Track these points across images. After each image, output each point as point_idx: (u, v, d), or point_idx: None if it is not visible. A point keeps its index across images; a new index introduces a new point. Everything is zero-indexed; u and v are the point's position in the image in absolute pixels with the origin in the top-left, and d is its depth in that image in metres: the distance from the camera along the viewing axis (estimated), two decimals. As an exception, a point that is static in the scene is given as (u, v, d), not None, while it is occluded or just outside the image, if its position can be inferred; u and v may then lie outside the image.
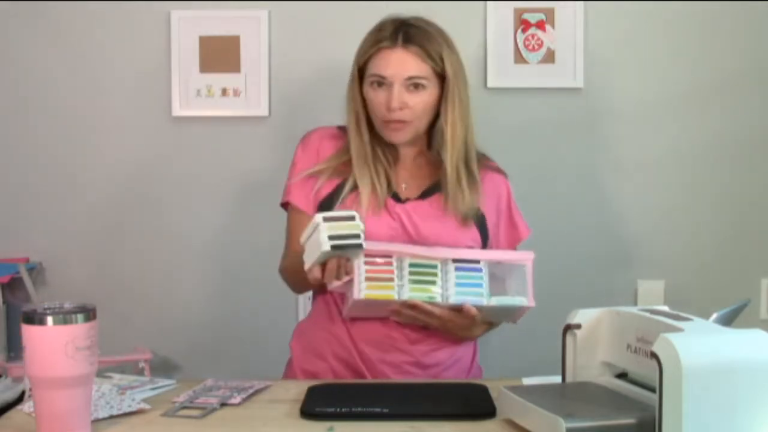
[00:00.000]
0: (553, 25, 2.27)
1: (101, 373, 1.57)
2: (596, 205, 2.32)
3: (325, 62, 2.29)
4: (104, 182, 2.32)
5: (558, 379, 1.39)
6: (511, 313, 1.67)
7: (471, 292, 1.59)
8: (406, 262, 1.59)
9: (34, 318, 1.21)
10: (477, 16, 2.28)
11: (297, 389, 1.51)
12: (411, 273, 1.59)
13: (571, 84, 2.28)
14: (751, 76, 2.30)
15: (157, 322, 2.33)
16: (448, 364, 1.71)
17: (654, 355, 1.12)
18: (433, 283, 1.59)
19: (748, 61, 2.29)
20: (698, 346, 1.13)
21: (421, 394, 1.46)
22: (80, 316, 1.22)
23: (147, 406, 1.41)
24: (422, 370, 1.69)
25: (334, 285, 1.57)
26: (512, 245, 1.77)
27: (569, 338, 1.37)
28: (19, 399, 1.50)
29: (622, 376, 1.34)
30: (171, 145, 2.31)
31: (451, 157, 1.67)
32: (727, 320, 1.44)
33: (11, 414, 1.41)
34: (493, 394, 1.41)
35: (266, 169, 2.30)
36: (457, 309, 1.59)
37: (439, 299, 1.58)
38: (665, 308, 1.32)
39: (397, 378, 1.67)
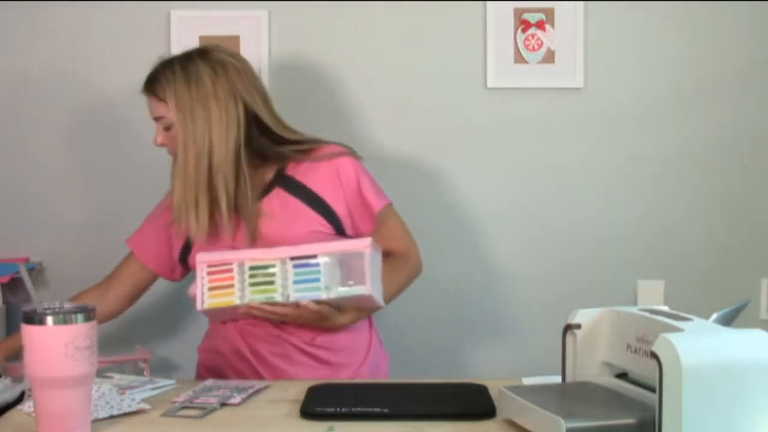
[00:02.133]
0: (553, 25, 2.27)
1: (101, 373, 1.57)
2: (596, 205, 2.32)
3: (325, 62, 2.29)
4: (104, 182, 2.32)
5: (558, 379, 1.39)
6: (362, 302, 1.69)
7: (309, 288, 1.63)
8: (246, 266, 1.65)
9: (34, 318, 1.21)
10: (477, 16, 2.28)
11: (297, 389, 1.51)
12: (251, 276, 1.66)
13: (571, 84, 2.28)
14: (751, 76, 2.29)
15: (157, 322, 2.33)
16: (334, 348, 1.78)
17: (654, 355, 1.12)
18: (272, 283, 1.65)
19: (749, 61, 2.29)
20: (698, 346, 1.13)
21: (421, 394, 1.46)
22: (80, 316, 1.22)
23: (147, 406, 1.41)
24: (315, 360, 1.76)
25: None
26: (371, 221, 1.81)
27: (569, 338, 1.37)
28: (19, 399, 1.50)
29: (622, 376, 1.34)
30: (171, 145, 2.31)
31: (176, 184, 1.75)
32: (727, 320, 1.44)
33: (11, 414, 1.41)
34: (493, 394, 1.41)
35: (266, 169, 2.30)
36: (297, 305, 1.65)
37: (279, 298, 1.64)
38: (665, 308, 1.32)
39: (289, 368, 1.75)
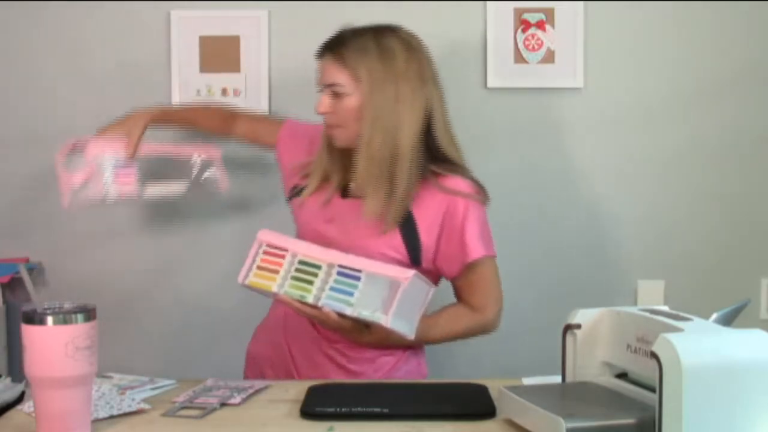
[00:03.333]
0: (553, 25, 2.27)
1: (101, 374, 1.57)
2: (596, 205, 2.32)
3: (325, 62, 2.29)
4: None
5: (558, 379, 1.39)
6: (386, 329, 1.62)
7: (339, 298, 1.60)
8: (297, 258, 1.64)
9: (34, 318, 1.21)
10: (477, 16, 2.28)
11: (297, 389, 1.51)
12: (296, 270, 1.64)
13: (571, 84, 2.28)
14: (751, 77, 2.29)
15: (157, 322, 2.33)
16: (354, 357, 1.75)
17: (654, 355, 1.12)
18: (311, 283, 1.62)
19: (749, 61, 2.29)
20: (698, 346, 1.13)
21: (421, 394, 1.46)
22: (80, 316, 1.22)
23: (147, 406, 1.41)
24: (332, 363, 1.75)
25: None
26: (460, 266, 1.73)
27: (569, 338, 1.37)
28: (19, 399, 1.50)
29: (622, 376, 1.34)
30: (171, 145, 2.31)
31: (360, 162, 1.70)
32: (727, 320, 1.44)
33: (11, 414, 1.41)
34: (493, 394, 1.41)
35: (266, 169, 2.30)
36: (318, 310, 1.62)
37: (310, 299, 1.61)
38: (665, 308, 1.32)
39: (309, 366, 1.76)
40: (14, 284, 2.21)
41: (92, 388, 1.28)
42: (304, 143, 1.88)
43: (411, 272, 1.59)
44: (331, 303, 1.60)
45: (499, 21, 2.26)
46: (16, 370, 2.11)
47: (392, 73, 1.68)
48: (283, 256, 1.66)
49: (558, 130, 2.30)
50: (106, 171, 1.85)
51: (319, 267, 1.63)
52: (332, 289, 1.61)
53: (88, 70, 2.30)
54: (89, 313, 1.23)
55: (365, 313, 1.59)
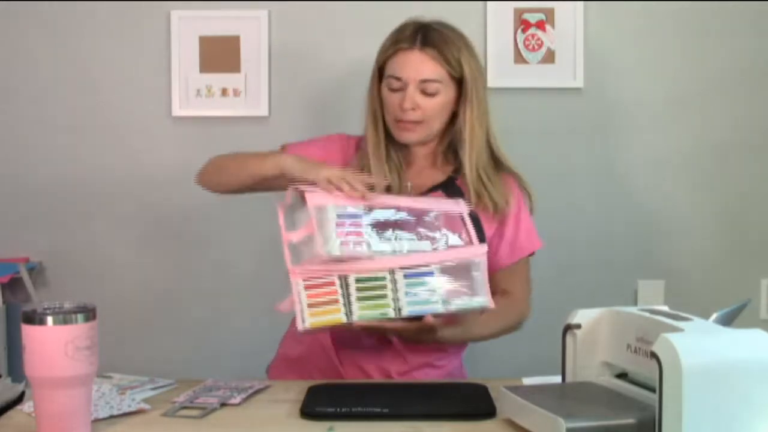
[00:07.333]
0: (553, 25, 2.27)
1: (101, 374, 1.57)
2: (596, 205, 2.32)
3: (325, 62, 2.29)
4: (104, 182, 2.32)
5: (558, 379, 1.39)
6: (471, 315, 1.58)
7: (424, 301, 1.48)
8: (352, 278, 1.46)
9: (34, 318, 1.21)
10: (477, 16, 2.28)
11: (297, 389, 1.51)
12: (358, 289, 1.47)
13: (571, 84, 2.28)
14: (751, 76, 2.30)
15: (157, 322, 2.34)
16: (427, 367, 1.71)
17: (654, 355, 1.12)
18: (384, 296, 1.47)
19: (749, 61, 2.30)
20: (698, 346, 1.13)
21: (421, 394, 1.46)
22: (80, 316, 1.22)
23: (147, 406, 1.41)
24: (383, 374, 1.70)
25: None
26: (519, 253, 1.74)
27: (569, 338, 1.37)
28: (19, 399, 1.50)
29: (622, 376, 1.34)
30: (171, 145, 2.31)
31: (470, 158, 1.69)
32: (727, 320, 1.44)
33: (11, 414, 1.41)
34: (493, 394, 1.41)
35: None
36: (417, 319, 1.50)
37: (392, 314, 1.47)
38: (665, 308, 1.32)
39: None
40: (14, 284, 2.21)
41: (92, 388, 1.28)
42: (329, 150, 1.76)
43: (485, 247, 1.55)
44: (419, 308, 1.49)
45: (499, 21, 2.27)
46: (16, 370, 2.11)
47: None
48: (331, 283, 1.46)
49: (558, 130, 2.30)
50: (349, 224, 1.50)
51: (382, 278, 1.48)
52: (409, 294, 1.48)
53: (88, 70, 2.30)
54: (89, 313, 1.23)
55: (462, 302, 1.50)
